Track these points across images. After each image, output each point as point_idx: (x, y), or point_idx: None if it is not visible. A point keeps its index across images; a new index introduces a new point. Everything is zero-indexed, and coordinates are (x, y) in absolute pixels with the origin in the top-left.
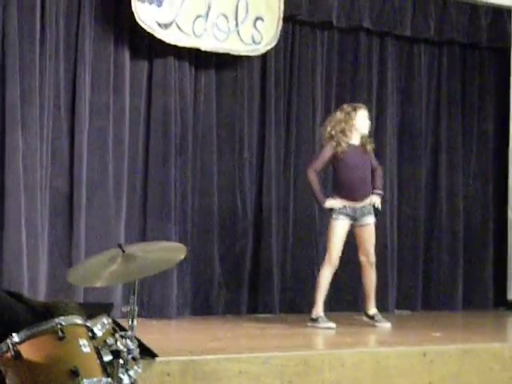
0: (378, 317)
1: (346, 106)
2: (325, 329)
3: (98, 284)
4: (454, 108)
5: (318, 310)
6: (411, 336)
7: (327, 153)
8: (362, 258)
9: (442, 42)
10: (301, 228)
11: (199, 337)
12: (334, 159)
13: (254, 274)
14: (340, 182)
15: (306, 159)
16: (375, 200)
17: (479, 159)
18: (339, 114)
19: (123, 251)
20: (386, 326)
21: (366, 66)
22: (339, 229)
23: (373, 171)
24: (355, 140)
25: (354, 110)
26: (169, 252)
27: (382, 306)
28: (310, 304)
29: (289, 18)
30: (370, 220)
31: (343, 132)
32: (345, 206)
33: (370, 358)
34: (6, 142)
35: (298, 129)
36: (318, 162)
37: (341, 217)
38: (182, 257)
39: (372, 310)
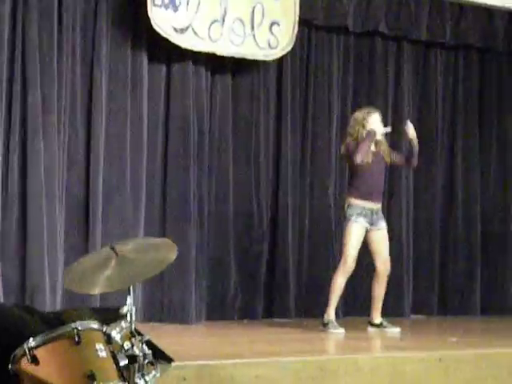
0: (385, 323)
1: (357, 114)
2: (334, 334)
3: (96, 291)
4: (470, 112)
5: (330, 314)
6: (427, 341)
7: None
8: (380, 267)
9: (458, 47)
10: (317, 233)
11: (215, 341)
12: (352, 164)
13: (270, 278)
14: (356, 185)
15: (321, 164)
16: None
17: (497, 163)
18: (353, 124)
19: (116, 254)
20: (395, 330)
21: (382, 70)
22: (357, 232)
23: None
24: (372, 146)
25: (365, 118)
26: (160, 252)
27: (397, 311)
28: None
29: (305, 23)
30: (383, 224)
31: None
32: (364, 207)
33: (386, 363)
34: (27, 148)
35: (314, 133)
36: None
37: (359, 219)
38: (174, 257)
39: (378, 319)
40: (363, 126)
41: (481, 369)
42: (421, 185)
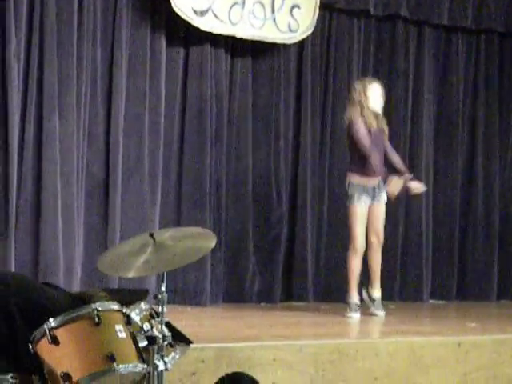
0: (377, 302)
1: (356, 84)
2: (348, 318)
3: (130, 274)
4: (491, 97)
5: (351, 296)
6: (446, 326)
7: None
8: (373, 239)
9: (479, 31)
10: (335, 217)
11: (234, 324)
12: (353, 140)
13: (289, 262)
14: (357, 162)
15: (341, 147)
16: (418, 186)
17: None
18: (353, 94)
19: (154, 240)
20: (380, 313)
21: (403, 54)
22: (361, 211)
23: (389, 154)
24: (372, 117)
25: (366, 85)
26: (199, 240)
27: (416, 296)
28: (345, 292)
29: (326, 6)
30: (383, 197)
31: (361, 112)
32: (366, 183)
33: (405, 347)
34: (43, 128)
35: (333, 117)
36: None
37: (362, 197)
38: (213, 245)
39: (376, 292)
40: (364, 94)
41: (499, 354)
42: (440, 170)
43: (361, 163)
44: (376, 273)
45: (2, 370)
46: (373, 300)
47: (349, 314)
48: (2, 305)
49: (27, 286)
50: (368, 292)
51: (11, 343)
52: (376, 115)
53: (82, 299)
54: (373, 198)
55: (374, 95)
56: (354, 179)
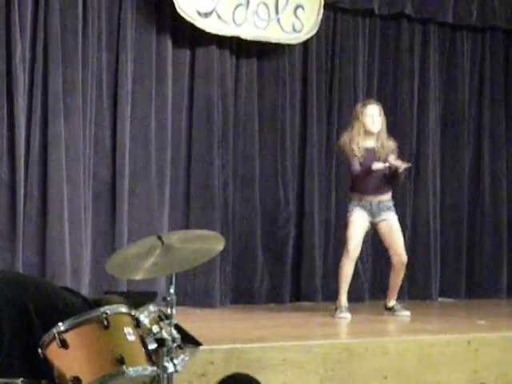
0: (397, 306)
1: (356, 108)
2: (339, 319)
3: (138, 276)
4: (496, 95)
5: (341, 300)
6: (455, 324)
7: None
8: (394, 259)
9: (484, 29)
10: (343, 216)
11: (242, 325)
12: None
13: (297, 262)
14: (355, 182)
15: None
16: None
17: None
18: (353, 115)
19: (162, 242)
20: (405, 314)
21: (408, 53)
22: (356, 219)
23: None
24: (370, 142)
25: (361, 111)
26: (207, 243)
27: (425, 294)
28: (353, 292)
29: (330, 6)
30: (389, 216)
31: (353, 139)
32: (361, 199)
33: (414, 345)
34: (48, 133)
35: (339, 117)
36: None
37: (356, 209)
38: (221, 247)
39: (392, 302)
40: (358, 119)
41: (509, 351)
42: (447, 168)
43: (355, 182)
44: (395, 288)
45: (19, 373)
46: (391, 307)
47: (340, 315)
48: (20, 308)
49: (46, 290)
50: (388, 306)
51: (29, 346)
52: (371, 134)
53: (99, 305)
54: (371, 214)
55: (369, 117)
56: (351, 195)
